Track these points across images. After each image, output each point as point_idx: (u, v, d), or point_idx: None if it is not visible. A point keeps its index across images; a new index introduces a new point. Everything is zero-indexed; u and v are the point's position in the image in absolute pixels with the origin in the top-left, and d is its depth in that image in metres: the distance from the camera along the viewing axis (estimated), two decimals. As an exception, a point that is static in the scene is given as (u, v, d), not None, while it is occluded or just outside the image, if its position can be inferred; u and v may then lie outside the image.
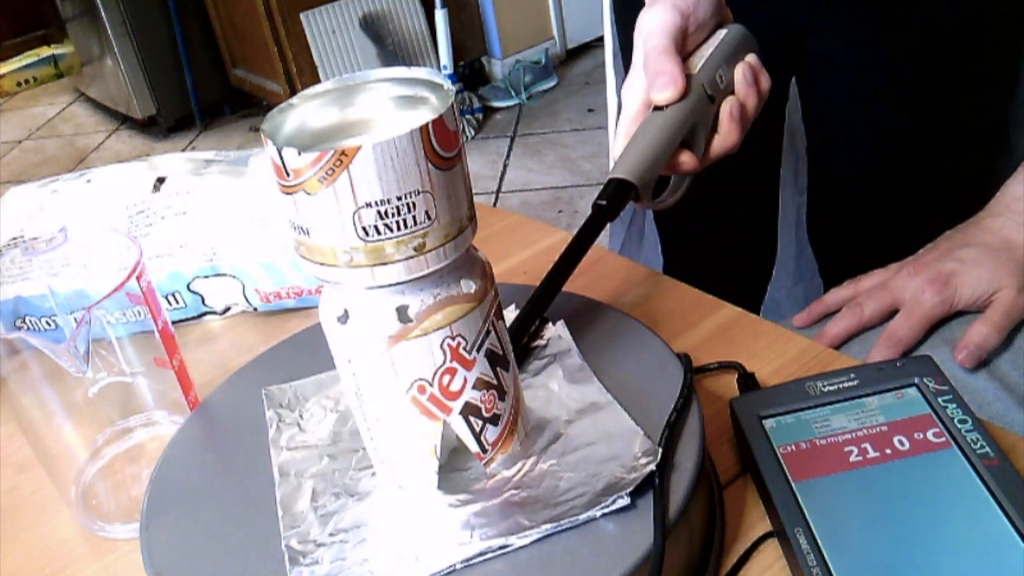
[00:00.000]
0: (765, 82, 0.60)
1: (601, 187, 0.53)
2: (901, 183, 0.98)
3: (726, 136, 0.57)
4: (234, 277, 0.67)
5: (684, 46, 0.58)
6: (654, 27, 0.57)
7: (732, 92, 0.59)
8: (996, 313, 0.63)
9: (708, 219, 1.09)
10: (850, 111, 0.95)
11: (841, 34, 0.90)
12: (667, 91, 0.54)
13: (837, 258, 1.09)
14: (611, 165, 0.55)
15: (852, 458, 0.46)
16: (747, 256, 1.16)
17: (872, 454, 0.46)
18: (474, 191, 0.40)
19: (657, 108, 0.55)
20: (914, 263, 0.67)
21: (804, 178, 1.40)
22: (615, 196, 0.52)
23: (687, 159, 0.56)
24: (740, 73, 0.59)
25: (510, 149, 2.87)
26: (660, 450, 0.42)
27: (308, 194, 0.35)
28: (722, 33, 0.60)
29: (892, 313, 0.66)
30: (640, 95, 0.57)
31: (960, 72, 0.89)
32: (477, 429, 0.42)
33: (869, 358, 0.64)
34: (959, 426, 0.46)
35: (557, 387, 0.48)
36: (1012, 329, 0.64)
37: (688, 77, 0.55)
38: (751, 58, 0.60)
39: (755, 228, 1.14)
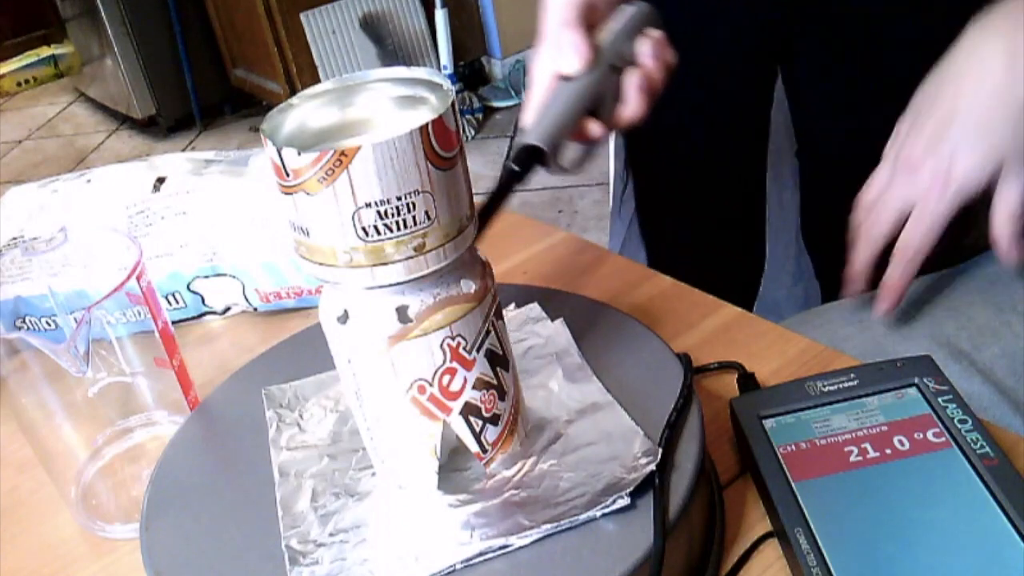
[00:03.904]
0: (670, 56, 0.62)
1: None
2: None
3: (632, 106, 0.59)
4: (234, 277, 0.67)
5: (590, 19, 0.60)
6: (561, 1, 0.59)
7: (637, 65, 0.61)
8: (1008, 200, 0.58)
9: (692, 219, 1.09)
10: (838, 113, 0.96)
11: (827, 35, 0.90)
12: (573, 61, 0.56)
13: (833, 260, 1.09)
14: (518, 133, 0.57)
15: (852, 458, 0.46)
16: (734, 258, 1.16)
17: (872, 454, 0.46)
18: (474, 191, 0.40)
19: (565, 78, 0.57)
20: (906, 161, 0.63)
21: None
22: (526, 160, 0.54)
23: (594, 127, 0.58)
24: (644, 46, 0.60)
25: (510, 149, 2.87)
26: (660, 450, 0.42)
27: (308, 194, 0.35)
28: (628, 9, 0.62)
29: (904, 220, 0.62)
30: (549, 67, 0.59)
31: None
32: (477, 429, 0.42)
33: (887, 278, 0.62)
34: (959, 426, 0.46)
35: (557, 387, 0.48)
36: (1004, 332, 0.64)
37: (594, 49, 0.58)
38: (655, 33, 0.62)
39: (742, 229, 1.14)
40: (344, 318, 0.39)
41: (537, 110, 0.56)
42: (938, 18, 0.85)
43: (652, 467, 0.41)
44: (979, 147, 0.59)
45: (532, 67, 0.60)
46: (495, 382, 0.41)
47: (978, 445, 0.45)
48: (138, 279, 0.48)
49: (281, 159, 0.35)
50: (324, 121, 0.38)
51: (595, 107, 0.58)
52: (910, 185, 0.61)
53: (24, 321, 0.63)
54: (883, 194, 0.63)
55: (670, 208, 1.11)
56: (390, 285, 0.37)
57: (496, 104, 3.12)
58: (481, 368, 0.40)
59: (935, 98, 0.62)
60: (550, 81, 0.58)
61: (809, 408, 0.49)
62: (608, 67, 0.58)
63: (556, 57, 0.57)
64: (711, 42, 0.95)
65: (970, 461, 0.44)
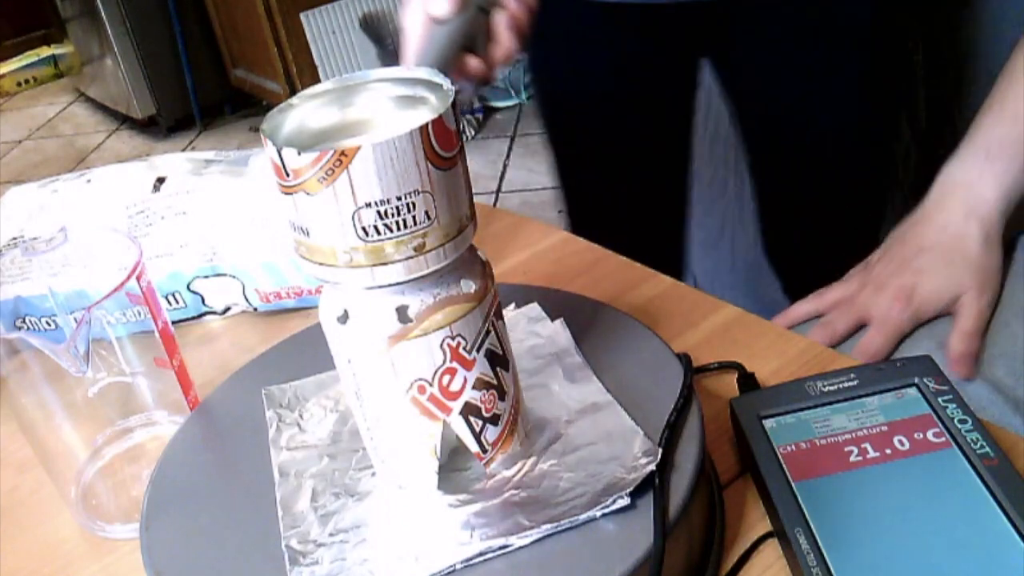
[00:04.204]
0: None
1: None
2: (848, 188, 1.02)
3: (505, 45, 0.63)
4: (234, 277, 0.67)
5: None
6: None
7: (502, 6, 0.64)
8: (967, 321, 0.64)
9: (616, 194, 1.11)
10: (787, 120, 0.98)
11: (758, 21, 0.92)
12: (443, 4, 0.59)
13: (798, 276, 1.11)
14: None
15: (852, 458, 0.46)
16: (657, 233, 1.17)
17: (872, 454, 0.46)
18: (474, 191, 0.40)
19: (438, 22, 0.60)
20: (875, 278, 0.69)
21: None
22: None
23: (475, 63, 0.61)
24: None
25: (510, 149, 2.86)
26: (660, 450, 0.42)
27: (308, 194, 0.35)
28: None
29: (860, 327, 0.67)
30: (420, 17, 0.62)
31: (889, 61, 0.96)
32: (477, 429, 0.42)
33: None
34: (959, 426, 0.46)
35: (557, 387, 0.48)
36: (1003, 333, 0.64)
37: None
38: None
39: (664, 207, 1.16)
40: (344, 318, 0.39)
41: (417, 53, 0.60)
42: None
43: (652, 467, 0.41)
44: (941, 274, 0.66)
45: (403, 17, 0.63)
46: (495, 382, 0.41)
47: (978, 445, 0.45)
48: (138, 279, 0.48)
49: (281, 159, 0.35)
50: (324, 121, 0.38)
51: (471, 46, 0.61)
52: (875, 298, 0.67)
53: (24, 321, 0.63)
54: (848, 300, 0.69)
55: (592, 181, 1.12)
56: (390, 285, 0.37)
57: (496, 104, 3.12)
58: (481, 368, 0.40)
59: (905, 235, 0.70)
60: (423, 28, 0.61)
61: (809, 408, 0.49)
62: (477, 8, 0.61)
63: (427, 2, 0.60)
64: (624, 33, 0.97)
65: (970, 461, 0.44)
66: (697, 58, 1.02)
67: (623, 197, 1.09)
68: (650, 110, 1.03)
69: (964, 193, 0.67)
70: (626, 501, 0.40)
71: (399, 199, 0.35)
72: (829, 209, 1.03)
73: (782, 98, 0.96)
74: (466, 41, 0.61)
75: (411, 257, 0.36)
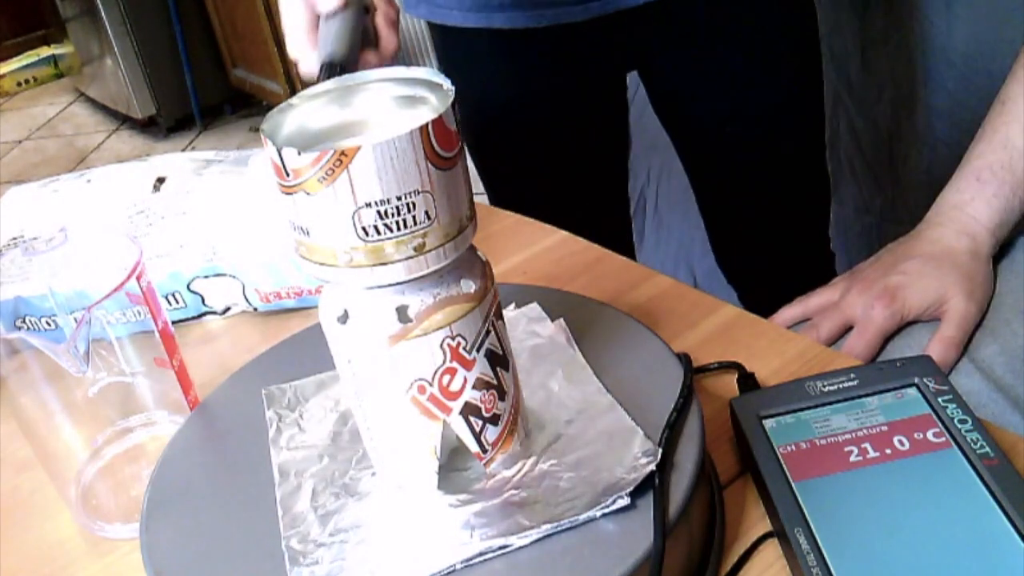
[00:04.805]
0: None
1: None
2: (787, 186, 1.01)
3: (387, 40, 0.66)
4: (234, 277, 0.67)
5: None
6: None
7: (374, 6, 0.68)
8: (950, 327, 0.64)
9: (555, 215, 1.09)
10: (718, 126, 0.97)
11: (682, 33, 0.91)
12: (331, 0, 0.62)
13: (752, 286, 1.12)
14: (294, 66, 0.66)
15: (852, 458, 0.46)
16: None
17: (872, 454, 0.46)
18: (474, 191, 0.40)
19: (327, 19, 0.63)
20: (861, 280, 0.69)
21: None
22: (331, 71, 0.59)
23: (372, 58, 0.66)
24: None
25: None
26: (660, 450, 0.42)
27: (308, 194, 0.35)
28: None
29: (846, 330, 0.68)
30: (303, 11, 0.65)
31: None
32: (477, 429, 0.42)
33: None
34: (959, 426, 0.46)
35: (557, 387, 0.48)
36: (1003, 330, 0.64)
37: None
38: None
39: (607, 219, 1.14)
40: (344, 318, 0.39)
41: (314, 43, 0.63)
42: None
43: (652, 467, 0.41)
44: (928, 276, 0.66)
45: (285, 12, 0.67)
46: (495, 382, 0.41)
47: (978, 445, 0.45)
48: (138, 279, 0.48)
49: (281, 159, 0.35)
50: (324, 121, 0.38)
51: (365, 41, 0.64)
52: (860, 298, 0.68)
53: (24, 321, 0.63)
54: (834, 304, 0.70)
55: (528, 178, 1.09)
56: (390, 285, 0.37)
57: (496, 104, 3.11)
58: (481, 368, 0.40)
59: (896, 248, 0.71)
60: (311, 20, 0.64)
61: (809, 408, 0.49)
62: (359, 6, 0.65)
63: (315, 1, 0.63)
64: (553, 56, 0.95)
65: (970, 461, 0.44)
66: (623, 73, 1.00)
67: (562, 216, 1.09)
68: (582, 131, 1.00)
69: (956, 214, 0.69)
70: (626, 501, 0.40)
71: (399, 199, 0.35)
72: (772, 210, 1.02)
73: (712, 103, 0.95)
74: (362, 36, 0.63)
75: (411, 257, 0.36)
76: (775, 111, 0.94)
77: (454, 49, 0.96)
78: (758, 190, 1.00)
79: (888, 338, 0.66)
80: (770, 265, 1.07)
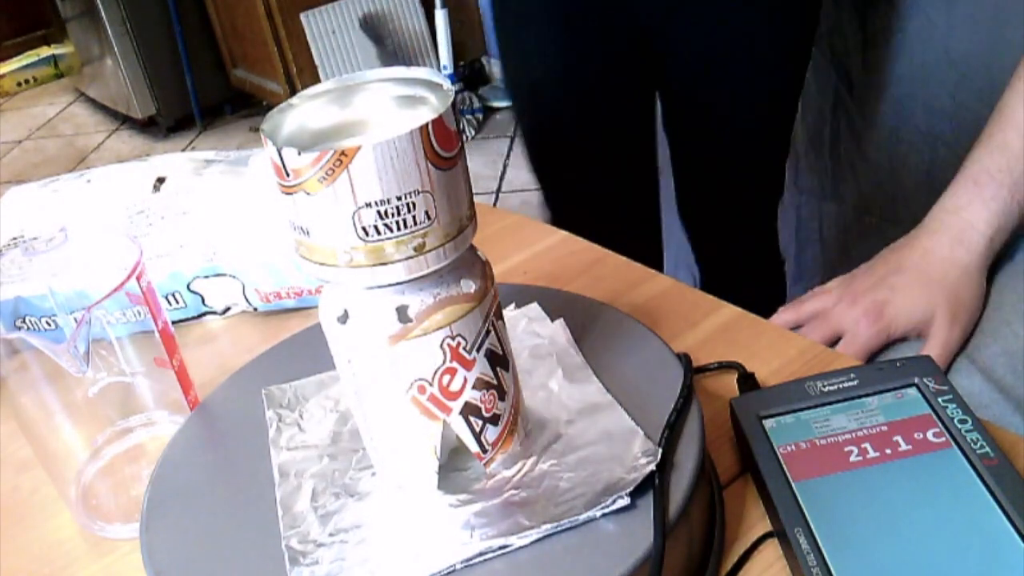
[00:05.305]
0: None
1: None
2: (754, 141, 1.11)
3: None
4: (234, 277, 0.67)
5: None
6: None
7: None
8: (931, 349, 0.64)
9: (590, 187, 1.18)
10: (705, 77, 1.05)
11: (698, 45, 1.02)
12: None
13: (704, 228, 1.24)
14: None
15: (852, 458, 0.46)
16: (632, 222, 1.24)
17: (872, 454, 0.46)
18: (474, 191, 0.40)
19: None
20: (851, 292, 0.70)
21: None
22: None
23: None
24: None
25: (510, 149, 2.86)
26: (660, 450, 0.42)
27: (308, 194, 0.35)
28: None
29: (835, 339, 0.68)
30: None
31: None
32: (477, 429, 0.42)
33: None
34: (959, 426, 0.46)
35: (557, 387, 0.48)
36: (1004, 331, 0.64)
37: None
38: None
39: (639, 225, 1.25)
40: (344, 318, 0.39)
41: None
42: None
43: (652, 467, 0.41)
44: (914, 294, 0.67)
45: None
46: (495, 382, 0.41)
47: (978, 445, 0.45)
48: (138, 279, 0.48)
49: (281, 159, 0.35)
50: (324, 121, 0.38)
51: None
52: (847, 312, 0.68)
53: (24, 321, 0.63)
54: (824, 313, 0.70)
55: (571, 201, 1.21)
56: (390, 285, 0.37)
57: (496, 104, 3.12)
58: (481, 368, 0.40)
59: (889, 256, 0.71)
60: None
61: (809, 408, 0.49)
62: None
63: None
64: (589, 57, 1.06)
65: (970, 461, 0.44)
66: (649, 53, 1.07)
67: (597, 190, 1.17)
68: (614, 105, 1.10)
69: (953, 219, 0.68)
70: (626, 501, 0.40)
71: (399, 199, 0.35)
72: (734, 164, 1.12)
73: (704, 53, 1.03)
74: None
75: (411, 257, 0.36)
76: (760, 63, 1.02)
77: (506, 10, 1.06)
78: (726, 142, 1.09)
79: (874, 355, 0.67)
80: (725, 217, 1.18)
